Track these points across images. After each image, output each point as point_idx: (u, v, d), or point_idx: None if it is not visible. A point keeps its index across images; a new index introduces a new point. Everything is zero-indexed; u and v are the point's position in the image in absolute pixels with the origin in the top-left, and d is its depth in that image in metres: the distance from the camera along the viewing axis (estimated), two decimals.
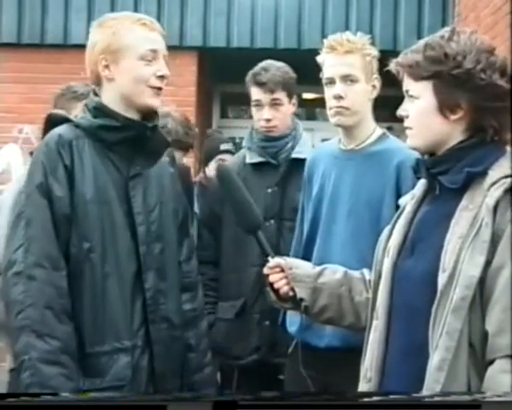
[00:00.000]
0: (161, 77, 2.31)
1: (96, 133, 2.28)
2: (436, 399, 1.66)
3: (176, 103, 4.00)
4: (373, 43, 2.72)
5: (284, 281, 2.17)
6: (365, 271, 2.16)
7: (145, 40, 2.29)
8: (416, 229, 1.91)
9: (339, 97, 2.64)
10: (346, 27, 5.89)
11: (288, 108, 3.14)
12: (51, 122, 2.34)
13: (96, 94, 2.35)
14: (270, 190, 3.11)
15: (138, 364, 2.26)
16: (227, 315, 3.16)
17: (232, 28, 6.32)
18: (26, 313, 2.13)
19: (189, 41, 6.26)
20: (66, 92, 3.25)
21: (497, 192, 1.75)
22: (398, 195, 2.51)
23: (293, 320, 2.68)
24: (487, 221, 1.73)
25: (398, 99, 1.98)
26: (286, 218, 3.06)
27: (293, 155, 3.11)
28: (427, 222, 1.90)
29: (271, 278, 2.18)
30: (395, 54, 1.96)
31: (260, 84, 3.09)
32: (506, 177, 1.76)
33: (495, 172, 1.79)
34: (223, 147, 4.39)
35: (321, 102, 2.91)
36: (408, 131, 1.92)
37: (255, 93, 3.13)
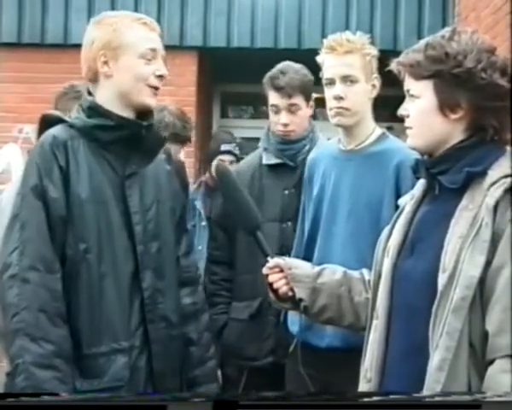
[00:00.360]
0: (160, 76, 2.31)
1: (90, 133, 2.28)
2: (436, 399, 1.66)
3: (176, 103, 3.99)
4: (372, 43, 2.72)
5: (283, 281, 2.17)
6: (365, 271, 2.16)
7: (145, 39, 2.30)
8: (416, 229, 1.91)
9: (339, 98, 2.64)
10: (346, 27, 5.89)
11: (306, 111, 3.12)
12: (46, 123, 2.33)
13: (90, 93, 2.34)
14: (287, 192, 3.09)
15: (136, 364, 2.25)
16: (241, 316, 3.16)
17: (232, 28, 6.32)
18: (21, 317, 2.13)
19: (189, 41, 6.25)
20: (68, 91, 3.24)
21: (497, 192, 1.75)
22: (398, 195, 2.50)
23: (294, 320, 2.68)
24: (487, 221, 1.73)
25: (399, 99, 1.98)
26: None
27: None
28: (426, 222, 1.90)
29: (271, 278, 2.18)
30: (395, 54, 1.96)
31: (278, 89, 3.05)
32: (506, 176, 1.76)
33: (495, 172, 1.79)
34: (223, 147, 4.38)
35: (321, 102, 2.91)
36: (408, 131, 1.92)
37: (272, 97, 3.09)
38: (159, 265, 2.33)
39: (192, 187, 4.53)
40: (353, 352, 2.13)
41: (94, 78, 2.32)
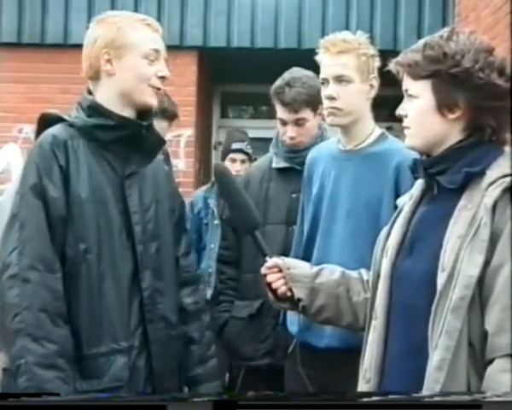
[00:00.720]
0: (162, 77, 2.31)
1: (90, 133, 2.27)
2: (436, 399, 1.66)
3: (175, 103, 3.99)
4: (371, 42, 2.71)
5: (282, 281, 2.17)
6: (363, 271, 2.16)
7: (149, 40, 2.30)
8: (415, 229, 1.91)
9: (331, 98, 2.64)
10: (346, 27, 5.89)
11: (313, 121, 3.10)
12: (45, 122, 2.32)
13: (89, 92, 2.34)
14: (294, 196, 3.09)
15: (136, 364, 2.25)
16: (240, 314, 3.18)
17: (232, 28, 6.32)
18: (22, 317, 2.12)
19: (189, 41, 6.26)
20: None
21: (495, 192, 1.75)
22: (397, 195, 2.50)
23: (293, 320, 2.68)
24: (486, 221, 1.73)
25: (398, 99, 1.98)
26: None
27: None
28: (425, 222, 1.90)
29: (269, 278, 2.18)
30: (395, 54, 1.96)
31: (284, 104, 3.04)
32: (504, 176, 1.76)
33: (493, 172, 1.79)
34: (234, 146, 4.38)
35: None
36: (406, 131, 1.93)
37: (279, 110, 3.09)
38: (158, 265, 2.33)
39: (206, 186, 4.54)
40: (352, 352, 2.12)
41: (95, 76, 2.32)
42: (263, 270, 2.20)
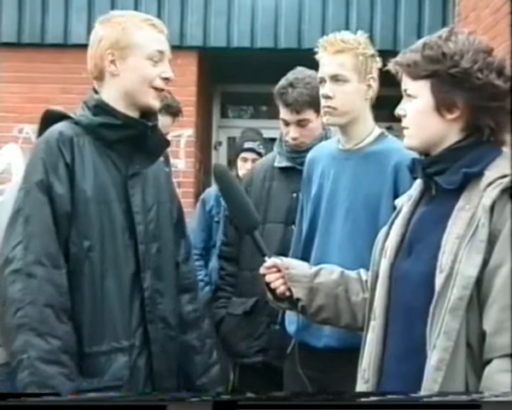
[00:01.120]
0: (165, 79, 2.32)
1: (96, 131, 2.27)
2: (434, 399, 1.66)
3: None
4: (370, 42, 2.70)
5: (281, 281, 2.17)
6: (362, 271, 2.16)
7: (154, 40, 2.30)
8: (414, 229, 1.92)
9: (327, 97, 2.64)
10: (346, 27, 5.89)
11: (316, 122, 3.08)
12: (48, 119, 2.33)
13: (95, 92, 2.34)
14: (295, 195, 3.08)
15: (136, 364, 2.25)
16: (236, 311, 3.19)
17: (232, 28, 6.32)
18: (25, 312, 2.12)
19: (190, 41, 6.26)
20: None
21: (493, 192, 1.75)
22: (396, 194, 2.50)
23: (291, 320, 2.69)
24: (484, 221, 1.73)
25: (398, 99, 1.98)
26: None
27: None
28: (424, 223, 1.90)
29: (268, 278, 2.18)
30: (395, 54, 1.96)
31: (286, 105, 3.03)
32: (503, 177, 1.76)
33: (491, 173, 1.79)
34: (246, 145, 4.39)
35: None
36: (405, 131, 1.93)
37: (282, 111, 3.08)
38: (158, 266, 2.33)
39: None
40: (351, 352, 2.13)
41: (99, 76, 2.32)
42: (262, 270, 2.20)
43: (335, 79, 2.63)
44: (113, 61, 2.28)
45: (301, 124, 3.06)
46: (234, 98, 7.56)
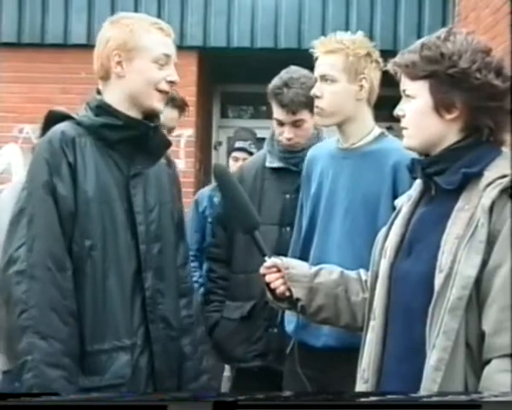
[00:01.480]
0: (171, 82, 2.32)
1: (98, 132, 2.28)
2: (434, 399, 1.66)
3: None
4: (365, 42, 2.68)
5: (281, 281, 2.17)
6: (362, 271, 2.16)
7: (160, 44, 2.31)
8: (413, 230, 1.92)
9: (316, 96, 2.65)
10: (346, 27, 5.89)
11: (310, 122, 3.05)
12: (52, 119, 2.34)
13: (98, 93, 2.35)
14: (287, 196, 3.06)
15: (138, 363, 2.26)
16: (232, 315, 3.13)
17: (232, 28, 6.32)
18: (30, 314, 2.13)
19: (190, 41, 6.26)
20: None
21: (492, 193, 1.75)
22: (395, 194, 2.51)
23: (290, 320, 2.69)
24: (483, 222, 1.73)
25: (398, 99, 1.98)
26: None
27: None
28: (424, 223, 1.90)
29: (268, 278, 2.18)
30: (395, 54, 1.96)
31: (282, 105, 2.99)
32: (502, 177, 1.76)
33: (491, 173, 1.79)
34: (237, 144, 4.38)
35: None
36: (404, 131, 1.93)
37: (276, 111, 3.04)
38: (159, 266, 2.34)
39: (212, 184, 4.54)
40: (349, 351, 2.13)
41: (105, 76, 2.33)
42: (262, 270, 2.21)
43: (324, 78, 2.64)
44: (119, 63, 2.29)
45: (296, 124, 3.03)
46: (234, 98, 7.56)
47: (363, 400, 1.65)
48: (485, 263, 1.73)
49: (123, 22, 2.32)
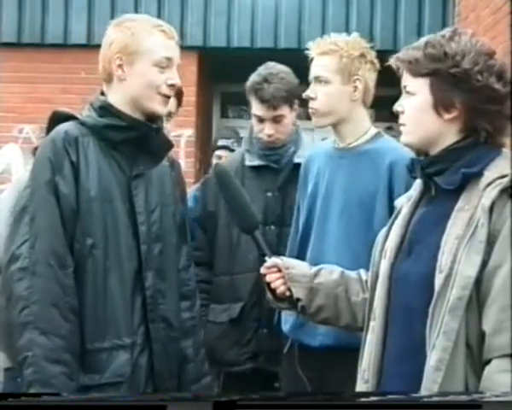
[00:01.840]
0: (172, 85, 2.33)
1: (101, 132, 2.29)
2: (434, 399, 1.66)
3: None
4: (359, 43, 2.68)
5: (281, 281, 2.17)
6: (362, 271, 2.16)
7: (162, 47, 2.30)
8: (413, 230, 1.92)
9: (310, 98, 2.67)
10: (346, 27, 5.90)
11: (290, 117, 3.06)
12: (56, 119, 2.35)
13: (102, 94, 2.36)
14: (270, 194, 3.04)
15: (138, 362, 2.26)
16: (219, 319, 3.08)
17: (232, 28, 6.33)
18: (31, 310, 2.14)
19: (190, 41, 6.26)
20: None
21: (492, 193, 1.75)
22: (391, 193, 2.53)
23: (287, 319, 2.69)
24: (483, 222, 1.73)
25: (398, 99, 1.98)
26: (287, 224, 2.94)
27: (296, 160, 3.04)
28: (424, 223, 1.90)
29: (268, 278, 2.18)
30: (395, 54, 1.96)
31: (262, 101, 2.98)
32: (502, 177, 1.76)
33: (491, 173, 1.79)
34: (220, 143, 4.38)
35: None
36: (402, 128, 1.93)
37: (256, 107, 3.02)
38: (161, 267, 2.35)
39: (197, 185, 4.53)
40: (346, 351, 2.13)
41: (108, 79, 2.34)
42: (262, 270, 2.21)
43: (318, 80, 2.66)
44: (120, 66, 2.30)
45: (277, 120, 3.01)
46: (234, 98, 7.55)
47: (363, 400, 1.65)
48: (485, 263, 1.73)
49: (125, 25, 2.33)
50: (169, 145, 2.43)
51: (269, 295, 2.23)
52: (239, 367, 3.03)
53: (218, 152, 4.34)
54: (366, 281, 2.10)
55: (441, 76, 1.84)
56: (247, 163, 3.10)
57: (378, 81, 2.74)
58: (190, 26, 6.30)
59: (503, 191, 1.75)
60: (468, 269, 1.73)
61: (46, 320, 2.14)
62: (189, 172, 6.19)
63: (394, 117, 2.00)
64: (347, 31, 2.85)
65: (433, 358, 1.74)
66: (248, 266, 2.98)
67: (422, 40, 1.90)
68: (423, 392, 1.74)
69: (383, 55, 2.53)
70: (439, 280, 1.76)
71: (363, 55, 2.66)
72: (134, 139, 2.31)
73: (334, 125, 2.69)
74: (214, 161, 4.30)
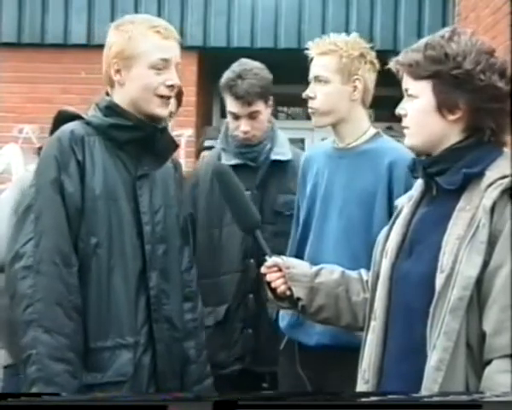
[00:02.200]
0: (171, 86, 2.32)
1: (106, 132, 2.30)
2: (435, 399, 1.66)
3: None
4: (358, 43, 2.68)
5: (281, 280, 2.17)
6: (363, 271, 2.16)
7: (157, 49, 2.29)
8: (414, 230, 1.91)
9: (309, 97, 2.67)
10: (346, 27, 5.90)
11: (266, 113, 3.04)
12: (61, 119, 2.35)
13: (107, 94, 2.37)
14: (248, 193, 2.99)
15: (140, 361, 2.26)
16: (205, 322, 2.93)
17: (232, 28, 6.33)
18: (35, 308, 2.14)
19: (190, 41, 6.27)
20: None
21: (494, 193, 1.75)
22: (390, 193, 2.53)
23: (283, 316, 2.69)
24: (484, 222, 1.73)
25: (398, 99, 1.98)
26: (267, 221, 2.88)
27: (273, 157, 3.03)
28: (425, 223, 1.90)
29: (269, 278, 2.18)
30: (395, 54, 1.96)
31: (237, 97, 2.96)
32: (503, 177, 1.76)
33: (492, 173, 1.79)
34: (206, 143, 4.38)
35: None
36: (406, 131, 1.93)
37: (231, 104, 3.00)
38: (164, 267, 2.35)
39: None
40: (343, 350, 2.12)
41: (109, 82, 2.35)
42: (263, 269, 2.21)
43: (317, 80, 2.66)
44: (118, 71, 2.31)
45: (252, 116, 2.99)
46: None
47: (363, 400, 1.65)
48: (486, 263, 1.73)
49: (123, 28, 2.32)
50: (174, 146, 2.43)
51: (269, 294, 2.23)
52: (227, 369, 2.99)
53: (204, 153, 4.35)
54: (367, 281, 2.10)
55: (443, 78, 1.84)
56: (224, 162, 3.03)
57: (378, 81, 2.74)
58: (190, 26, 6.31)
59: (504, 192, 1.75)
60: (469, 269, 1.73)
61: (50, 319, 2.15)
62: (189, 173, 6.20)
63: (394, 117, 2.00)
64: (347, 31, 2.85)
65: (433, 358, 1.74)
66: (231, 267, 2.98)
67: (422, 42, 1.89)
68: (424, 392, 1.74)
69: (383, 55, 2.53)
70: (439, 280, 1.76)
71: (362, 55, 2.67)
72: (139, 139, 2.32)
73: (334, 125, 2.70)
74: (200, 162, 4.31)
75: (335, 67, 2.64)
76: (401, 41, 6.05)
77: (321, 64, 2.66)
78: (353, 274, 2.18)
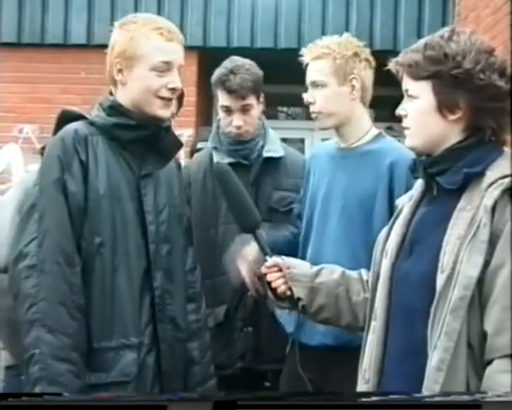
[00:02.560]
0: (172, 89, 2.31)
1: (110, 131, 2.29)
2: (436, 399, 1.66)
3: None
4: (351, 42, 2.69)
5: (282, 280, 2.17)
6: (363, 271, 2.16)
7: (159, 51, 2.29)
8: (415, 230, 1.91)
9: (309, 103, 2.69)
10: (346, 27, 5.91)
11: (257, 109, 3.04)
12: (65, 119, 2.35)
13: (111, 94, 2.36)
14: None
15: (144, 361, 2.26)
16: None
17: (232, 28, 6.33)
18: (38, 307, 2.14)
19: (190, 41, 6.25)
20: None
21: (494, 193, 1.75)
22: (391, 194, 2.53)
23: (286, 318, 2.68)
24: (485, 222, 1.73)
25: (398, 99, 1.98)
26: (263, 219, 2.73)
27: (266, 155, 3.03)
28: (425, 223, 1.90)
29: (269, 278, 2.18)
30: (395, 54, 1.96)
31: (230, 91, 2.98)
32: (504, 177, 1.76)
33: (493, 173, 1.79)
34: (199, 145, 4.38)
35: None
36: (406, 131, 1.92)
37: (224, 99, 3.02)
38: (168, 267, 2.34)
39: None
40: (345, 350, 2.12)
41: (112, 82, 2.35)
42: (263, 269, 2.21)
43: (315, 85, 2.68)
44: (120, 71, 2.30)
45: (245, 109, 2.99)
46: None
47: (364, 400, 1.65)
48: (487, 263, 1.73)
49: (126, 28, 2.32)
50: (178, 145, 2.43)
51: (269, 294, 2.23)
52: (229, 370, 2.98)
53: (197, 154, 4.34)
54: (367, 281, 2.10)
55: (443, 78, 1.83)
56: (216, 161, 3.01)
57: (378, 81, 2.75)
58: (190, 26, 6.31)
59: (505, 191, 1.75)
60: (469, 269, 1.73)
61: (53, 318, 2.14)
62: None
63: (394, 117, 2.00)
64: (347, 31, 2.85)
65: (434, 358, 1.74)
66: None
67: (421, 42, 1.89)
68: (425, 392, 1.74)
69: (383, 55, 2.53)
70: (440, 280, 1.76)
71: (356, 54, 2.68)
72: (143, 138, 2.31)
73: (337, 127, 2.71)
74: (193, 161, 4.30)
75: (330, 69, 2.65)
76: (401, 41, 6.05)
77: (316, 69, 2.67)
78: (353, 274, 2.17)
